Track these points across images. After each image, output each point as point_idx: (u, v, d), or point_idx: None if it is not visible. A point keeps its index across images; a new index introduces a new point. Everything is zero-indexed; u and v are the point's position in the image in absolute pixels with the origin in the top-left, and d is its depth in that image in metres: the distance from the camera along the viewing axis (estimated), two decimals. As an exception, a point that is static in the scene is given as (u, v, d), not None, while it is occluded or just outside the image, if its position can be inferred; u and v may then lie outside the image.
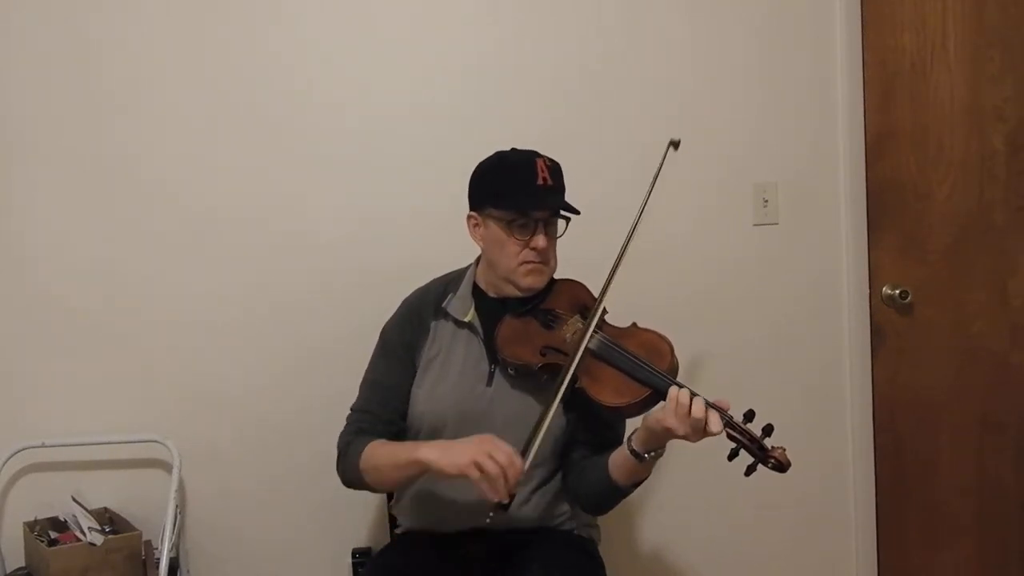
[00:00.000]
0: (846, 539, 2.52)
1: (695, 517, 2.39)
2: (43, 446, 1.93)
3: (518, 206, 1.66)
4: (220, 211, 2.06)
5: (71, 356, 1.98)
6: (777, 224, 2.43)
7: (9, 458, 1.91)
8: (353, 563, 2.08)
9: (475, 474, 1.47)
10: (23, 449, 1.92)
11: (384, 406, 1.74)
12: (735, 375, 2.37)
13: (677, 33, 2.33)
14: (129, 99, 2.00)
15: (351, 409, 1.78)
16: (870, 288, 2.48)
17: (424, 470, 1.57)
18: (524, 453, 1.51)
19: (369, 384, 1.78)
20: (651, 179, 1.65)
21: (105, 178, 1.99)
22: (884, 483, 2.50)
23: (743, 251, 2.41)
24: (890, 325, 2.46)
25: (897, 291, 2.40)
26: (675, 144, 1.67)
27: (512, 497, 1.50)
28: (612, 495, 1.65)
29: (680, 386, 1.49)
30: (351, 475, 1.70)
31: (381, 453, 1.65)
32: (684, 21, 2.33)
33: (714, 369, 2.36)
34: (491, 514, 1.52)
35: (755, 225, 2.42)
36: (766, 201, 2.41)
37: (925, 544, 2.45)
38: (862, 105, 2.44)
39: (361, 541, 2.14)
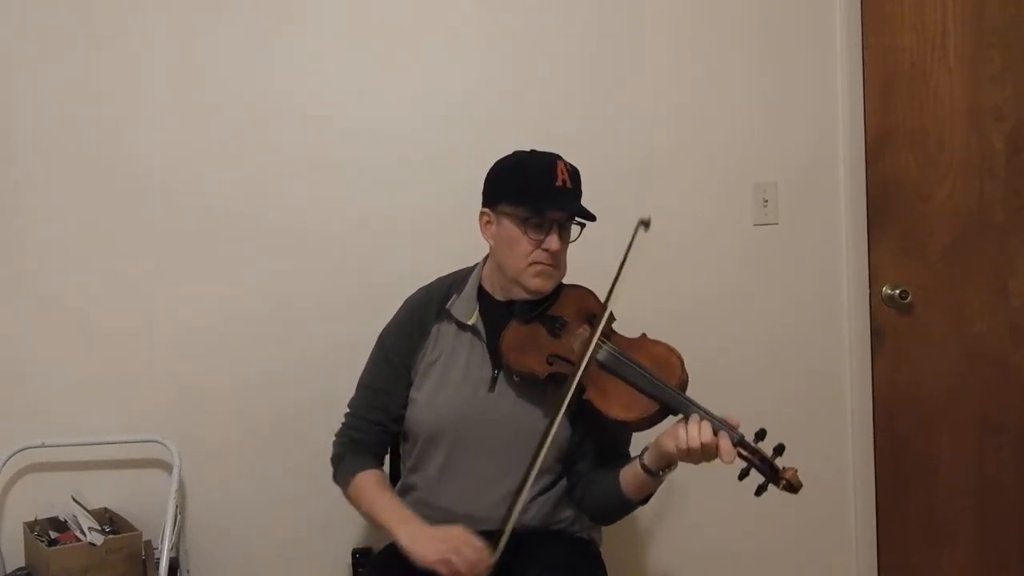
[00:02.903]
0: (846, 539, 2.52)
1: (695, 518, 2.39)
2: (43, 446, 1.93)
3: (535, 205, 1.63)
4: (221, 212, 2.05)
5: (71, 356, 1.98)
6: (777, 224, 2.43)
7: (9, 458, 1.91)
8: (353, 563, 2.08)
9: (444, 571, 1.47)
10: (23, 449, 1.92)
11: (377, 412, 1.75)
12: (735, 375, 2.37)
13: (678, 34, 2.33)
14: (131, 100, 2.00)
15: (348, 406, 1.79)
16: (870, 288, 2.48)
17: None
18: (495, 545, 1.48)
19: (364, 388, 1.78)
20: (622, 256, 1.59)
21: (106, 179, 1.99)
22: (884, 483, 2.50)
23: (743, 251, 2.41)
24: (890, 325, 2.46)
25: (897, 291, 2.40)
26: (645, 223, 1.60)
27: None
28: (621, 508, 1.66)
29: (689, 407, 1.48)
30: (342, 490, 1.74)
31: (367, 497, 1.67)
32: (685, 22, 2.33)
33: (714, 369, 2.35)
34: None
35: (755, 225, 2.42)
36: (766, 201, 2.41)
37: (925, 544, 2.45)
38: (862, 105, 2.45)
39: (361, 541, 2.14)
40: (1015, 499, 2.31)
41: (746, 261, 2.42)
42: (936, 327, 2.39)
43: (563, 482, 1.74)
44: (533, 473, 1.51)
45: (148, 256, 2.02)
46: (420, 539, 1.53)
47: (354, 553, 2.09)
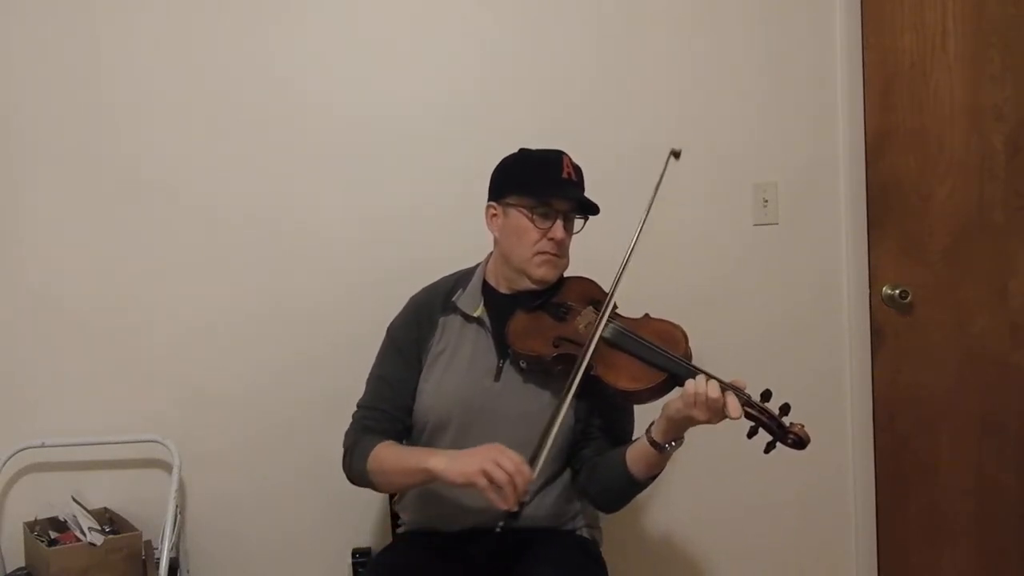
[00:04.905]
0: (846, 539, 2.52)
1: (696, 518, 2.39)
2: (43, 446, 1.93)
3: (543, 193, 1.68)
4: (221, 211, 2.06)
5: (71, 356, 1.99)
6: (777, 224, 2.43)
7: (9, 458, 1.91)
8: (353, 563, 2.08)
9: (483, 483, 1.45)
10: (23, 449, 1.92)
11: (390, 403, 1.74)
12: (735, 375, 2.36)
13: (678, 34, 2.33)
14: (132, 100, 2.00)
15: (358, 405, 1.78)
16: (870, 288, 2.47)
17: (432, 478, 1.55)
18: (533, 460, 1.49)
19: (375, 380, 1.78)
20: (653, 188, 1.64)
21: (105, 178, 2.00)
22: (884, 483, 2.50)
23: (743, 251, 2.41)
24: (890, 325, 2.46)
25: (897, 291, 2.40)
26: (676, 154, 1.66)
27: (522, 505, 1.49)
28: (628, 490, 1.65)
29: (695, 372, 1.49)
30: (357, 474, 1.70)
31: (389, 456, 1.64)
32: (685, 22, 2.33)
33: (714, 369, 2.35)
34: (501, 523, 1.52)
35: (755, 225, 2.42)
36: (766, 201, 2.41)
37: (925, 544, 2.45)
38: (862, 105, 2.44)
39: (361, 541, 2.14)
40: (1015, 499, 2.31)
41: (746, 261, 2.42)
42: (936, 327, 2.39)
43: (566, 475, 1.75)
44: (560, 417, 1.53)
45: (148, 256, 2.02)
46: (456, 459, 1.52)
47: (354, 553, 2.09)
